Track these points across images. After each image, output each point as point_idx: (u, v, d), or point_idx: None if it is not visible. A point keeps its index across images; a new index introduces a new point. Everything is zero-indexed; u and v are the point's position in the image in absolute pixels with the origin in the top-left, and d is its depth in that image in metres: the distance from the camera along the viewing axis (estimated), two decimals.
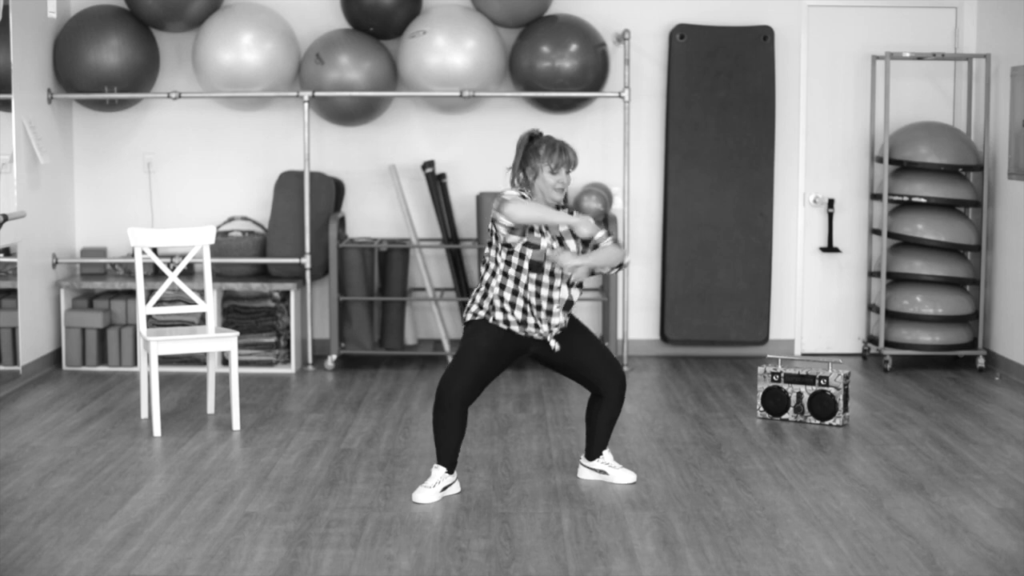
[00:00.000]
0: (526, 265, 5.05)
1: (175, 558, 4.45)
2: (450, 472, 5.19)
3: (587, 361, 5.26)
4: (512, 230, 5.00)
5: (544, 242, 5.06)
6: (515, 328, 5.12)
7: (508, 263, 5.07)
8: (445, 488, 5.17)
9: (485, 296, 5.14)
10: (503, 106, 8.22)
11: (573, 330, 5.26)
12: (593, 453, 5.39)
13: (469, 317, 5.18)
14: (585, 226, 5.00)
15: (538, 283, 5.07)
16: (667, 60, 8.23)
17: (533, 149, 5.08)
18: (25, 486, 5.30)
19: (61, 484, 5.33)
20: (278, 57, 7.83)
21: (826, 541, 4.66)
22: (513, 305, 5.09)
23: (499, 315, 5.11)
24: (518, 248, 5.05)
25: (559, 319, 5.13)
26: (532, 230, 5.05)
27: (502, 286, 5.09)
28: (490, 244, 5.12)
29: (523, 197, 5.04)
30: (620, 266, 5.14)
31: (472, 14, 7.89)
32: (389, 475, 5.50)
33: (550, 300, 5.09)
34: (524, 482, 5.39)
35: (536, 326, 5.11)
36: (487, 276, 5.14)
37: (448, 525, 4.81)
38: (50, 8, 7.80)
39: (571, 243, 5.14)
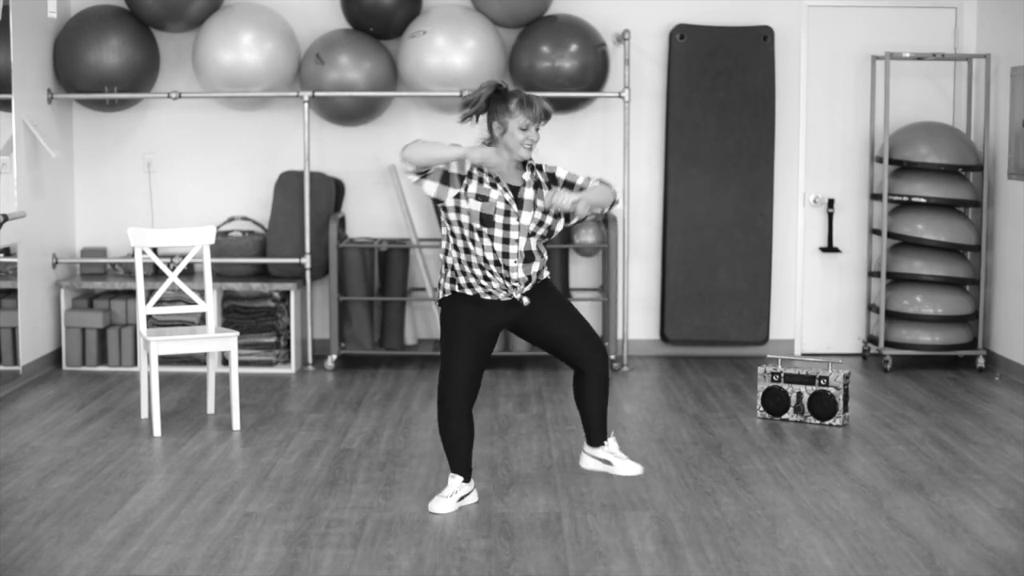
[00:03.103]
0: (476, 221, 4.79)
1: (175, 558, 4.45)
2: (466, 481, 5.04)
3: (564, 333, 4.99)
4: (423, 176, 4.77)
5: (495, 194, 4.80)
6: (480, 292, 4.87)
7: (458, 223, 4.82)
8: (463, 498, 5.03)
9: (447, 267, 4.92)
10: None
11: (549, 299, 4.99)
12: (595, 439, 5.09)
13: (440, 295, 4.96)
14: (573, 203, 4.76)
15: (491, 237, 4.80)
16: (667, 60, 8.23)
17: (501, 102, 4.87)
18: (25, 486, 5.30)
19: (61, 484, 5.33)
20: (278, 57, 7.83)
21: (826, 541, 4.66)
22: (471, 265, 4.84)
23: (462, 280, 4.88)
24: (465, 204, 4.80)
25: (519, 274, 4.84)
26: (481, 182, 4.81)
27: (456, 248, 4.86)
28: (438, 214, 4.90)
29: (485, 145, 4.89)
30: (613, 203, 4.95)
31: (472, 14, 7.89)
32: (389, 475, 5.50)
33: (506, 255, 4.82)
34: (524, 482, 5.39)
35: (501, 286, 4.85)
36: (446, 246, 4.92)
37: (448, 525, 4.82)
38: (50, 8, 7.80)
39: (545, 194, 4.89)
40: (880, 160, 8.09)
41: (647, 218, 8.33)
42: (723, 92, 8.16)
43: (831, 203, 8.34)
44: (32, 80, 7.59)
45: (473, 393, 4.99)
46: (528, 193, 4.88)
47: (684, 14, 8.21)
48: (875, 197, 8.20)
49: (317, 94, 7.81)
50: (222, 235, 8.04)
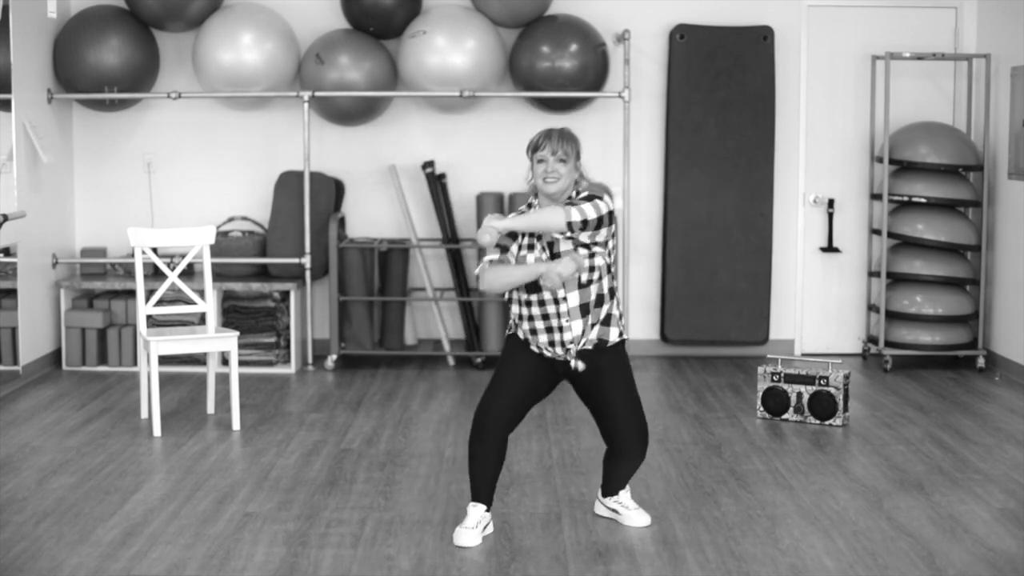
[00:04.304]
0: (523, 292, 4.59)
1: (175, 558, 4.45)
2: (488, 510, 4.69)
3: (610, 409, 4.70)
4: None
5: (531, 257, 4.56)
6: (534, 349, 4.65)
7: (513, 298, 4.66)
8: (485, 526, 4.69)
9: (511, 312, 4.72)
10: (503, 106, 8.22)
11: (609, 367, 4.68)
12: (608, 492, 4.90)
13: (509, 330, 4.76)
14: (568, 266, 4.47)
15: (542, 302, 4.57)
16: (667, 60, 8.23)
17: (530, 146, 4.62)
18: (25, 486, 5.30)
19: (61, 484, 5.33)
20: (278, 57, 7.83)
21: (826, 541, 4.66)
22: (528, 320, 4.61)
23: (520, 333, 4.67)
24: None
25: (574, 332, 4.57)
26: (519, 248, 4.58)
27: (514, 302, 4.66)
28: None
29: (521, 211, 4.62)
30: (570, 232, 4.53)
31: (472, 14, 7.89)
32: (389, 475, 5.50)
33: (558, 315, 4.55)
34: (524, 482, 5.39)
35: (551, 343, 4.60)
36: (510, 296, 4.71)
37: (448, 525, 4.81)
38: (50, 8, 7.80)
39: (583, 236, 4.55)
40: (880, 160, 8.09)
41: (647, 218, 8.32)
42: (723, 92, 8.15)
43: (831, 203, 8.34)
44: (32, 80, 7.59)
45: (513, 420, 4.65)
46: (564, 244, 4.55)
47: (684, 14, 8.21)
48: (875, 197, 8.20)
49: (317, 94, 7.81)
50: (222, 235, 8.04)
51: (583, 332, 4.60)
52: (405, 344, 8.18)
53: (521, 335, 4.67)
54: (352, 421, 6.52)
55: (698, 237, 8.20)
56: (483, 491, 4.65)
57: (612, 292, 4.67)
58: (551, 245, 4.57)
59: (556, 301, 4.56)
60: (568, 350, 4.61)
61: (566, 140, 4.58)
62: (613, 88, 8.09)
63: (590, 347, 4.64)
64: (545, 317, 4.58)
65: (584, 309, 4.58)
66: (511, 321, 4.73)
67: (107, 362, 7.83)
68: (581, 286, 4.57)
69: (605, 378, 4.68)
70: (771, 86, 8.16)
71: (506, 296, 4.69)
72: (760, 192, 8.18)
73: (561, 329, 4.58)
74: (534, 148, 4.59)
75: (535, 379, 4.68)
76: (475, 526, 4.63)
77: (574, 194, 4.61)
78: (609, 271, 4.65)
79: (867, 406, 6.89)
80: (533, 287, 4.57)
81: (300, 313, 7.94)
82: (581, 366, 4.62)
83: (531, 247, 4.58)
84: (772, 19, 8.23)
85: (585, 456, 5.79)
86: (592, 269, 4.58)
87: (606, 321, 4.65)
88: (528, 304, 4.60)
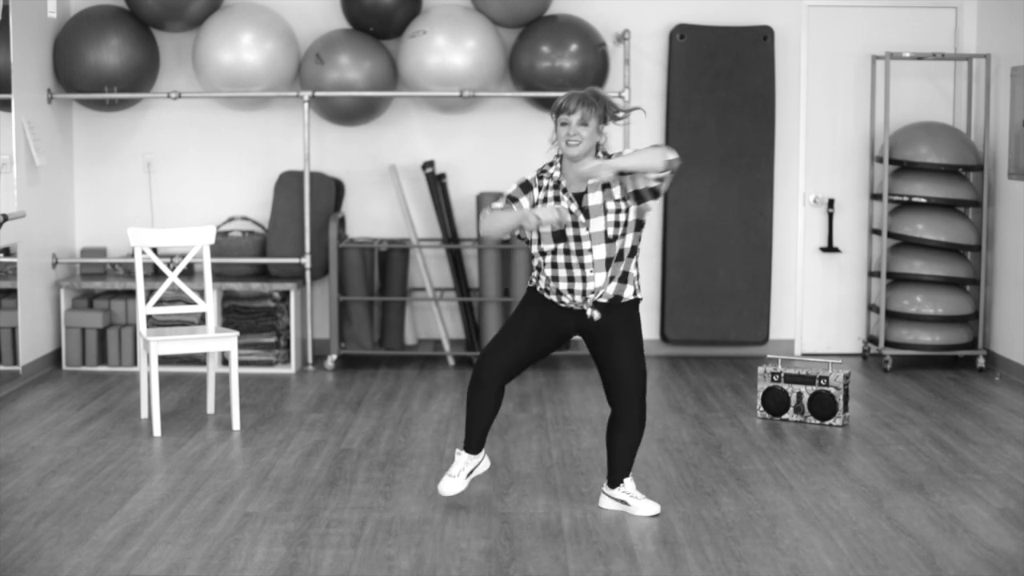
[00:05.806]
0: (550, 241, 4.73)
1: (175, 558, 4.45)
2: (475, 454, 4.96)
3: (615, 367, 4.85)
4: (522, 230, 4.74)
5: (560, 208, 4.66)
6: (553, 298, 4.80)
7: (539, 243, 4.78)
8: (471, 472, 4.98)
9: (534, 266, 4.91)
10: (503, 106, 8.22)
11: (623, 327, 4.82)
12: (613, 480, 5.00)
13: (529, 283, 4.96)
14: (549, 213, 4.54)
15: (567, 251, 4.72)
16: (667, 60, 8.23)
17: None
18: (25, 486, 5.30)
19: (61, 484, 5.33)
20: (278, 57, 7.83)
21: (826, 541, 4.66)
22: (551, 267, 4.77)
23: (541, 283, 4.84)
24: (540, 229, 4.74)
25: (597, 283, 4.72)
26: (545, 200, 4.72)
27: (542, 253, 4.78)
28: None
29: (527, 183, 4.76)
30: (667, 172, 4.62)
31: (472, 14, 7.89)
32: (389, 475, 5.50)
33: (582, 265, 4.70)
34: (524, 482, 5.39)
35: (571, 292, 4.75)
36: (535, 249, 4.85)
37: (448, 525, 4.82)
38: (50, 8, 7.80)
39: (616, 190, 4.70)
40: (880, 160, 8.10)
41: (647, 218, 8.30)
42: (723, 92, 8.16)
43: (831, 203, 8.34)
44: (32, 80, 7.59)
45: (511, 370, 4.85)
46: (594, 198, 4.71)
47: (684, 14, 8.21)
48: (875, 197, 8.20)
49: (317, 94, 7.81)
50: (222, 235, 8.04)
51: (603, 284, 4.75)
52: (405, 344, 8.18)
53: (542, 284, 4.83)
54: (352, 421, 6.52)
55: (698, 237, 8.20)
56: (473, 438, 4.90)
57: (635, 250, 4.82)
58: (580, 197, 4.72)
59: (581, 252, 4.71)
60: (587, 299, 4.76)
61: (587, 104, 4.68)
62: (613, 88, 8.09)
63: (605, 300, 4.79)
64: (568, 266, 4.74)
65: (608, 263, 4.74)
66: (533, 273, 4.90)
67: (107, 362, 7.83)
68: (608, 240, 4.72)
69: (615, 335, 4.83)
70: (771, 86, 8.16)
71: (532, 247, 4.81)
72: (760, 192, 8.19)
73: (584, 279, 4.74)
74: (558, 111, 4.73)
75: (544, 333, 4.84)
76: (458, 474, 4.89)
77: (602, 154, 4.75)
78: (638, 228, 4.80)
79: (867, 406, 6.89)
80: (559, 236, 4.71)
81: (300, 313, 7.94)
82: (596, 315, 4.78)
83: (557, 199, 4.73)
84: (772, 19, 8.23)
85: (585, 456, 5.79)
86: (619, 224, 4.73)
87: (623, 278, 4.81)
88: (553, 252, 4.74)
